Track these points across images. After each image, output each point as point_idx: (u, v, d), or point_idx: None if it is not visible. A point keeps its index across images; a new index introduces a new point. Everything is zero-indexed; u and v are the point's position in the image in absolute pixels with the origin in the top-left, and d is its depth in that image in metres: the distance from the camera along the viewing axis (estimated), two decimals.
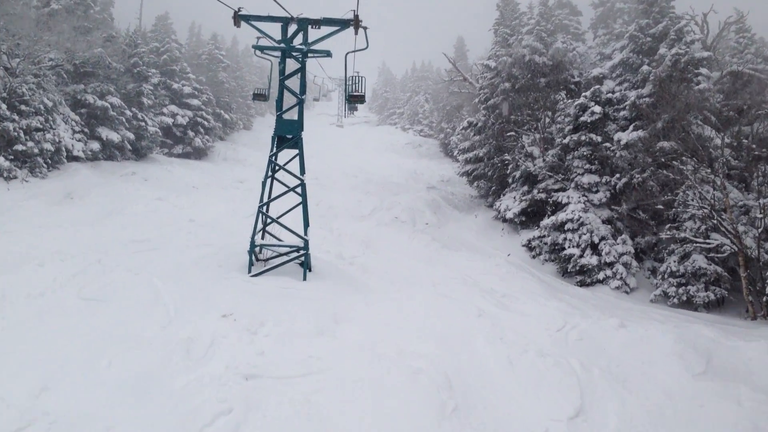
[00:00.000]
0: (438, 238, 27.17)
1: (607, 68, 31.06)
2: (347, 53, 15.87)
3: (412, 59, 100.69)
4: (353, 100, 16.89)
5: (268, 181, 17.31)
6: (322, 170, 43.35)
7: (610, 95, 25.74)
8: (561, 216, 24.56)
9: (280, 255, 17.15)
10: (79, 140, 32.77)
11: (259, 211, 16.49)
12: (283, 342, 11.41)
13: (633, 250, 23.47)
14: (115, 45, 39.70)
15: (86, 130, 33.81)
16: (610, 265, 23.11)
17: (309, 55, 17.59)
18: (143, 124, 38.62)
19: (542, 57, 29.22)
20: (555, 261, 24.85)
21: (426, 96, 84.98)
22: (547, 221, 25.07)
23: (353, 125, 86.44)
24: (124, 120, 36.16)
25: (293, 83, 17.51)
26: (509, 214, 27.47)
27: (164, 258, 17.36)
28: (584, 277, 23.52)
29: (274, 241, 17.82)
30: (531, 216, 27.66)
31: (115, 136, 34.87)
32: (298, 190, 17.01)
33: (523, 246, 26.45)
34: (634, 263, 23.22)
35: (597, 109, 24.85)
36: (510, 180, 29.25)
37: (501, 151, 30.68)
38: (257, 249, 17.01)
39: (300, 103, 17.10)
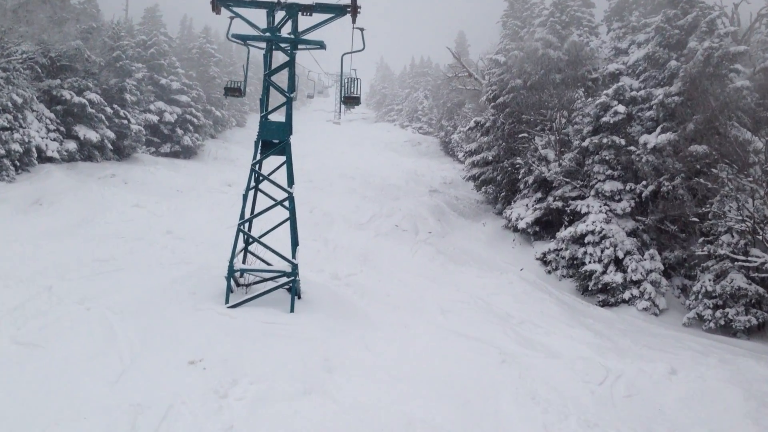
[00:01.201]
0: (443, 249, 24.73)
1: (623, 64, 28.66)
2: (343, 54, 15.05)
3: (410, 54, 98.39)
4: (349, 101, 15.52)
5: (251, 193, 14.85)
6: (318, 171, 40.86)
7: (634, 93, 23.28)
8: (580, 227, 22.14)
9: (265, 280, 14.68)
10: (54, 140, 30.23)
11: (239, 230, 14.01)
12: (259, 409, 8.95)
13: (662, 267, 21.06)
14: (96, 37, 37.12)
15: (62, 128, 31.25)
16: (637, 283, 20.72)
17: (299, 46, 15.16)
18: (126, 121, 36.07)
19: (557, 51, 26.80)
20: (573, 277, 22.44)
21: (425, 92, 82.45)
22: (564, 233, 22.65)
23: (351, 122, 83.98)
24: (104, 118, 33.59)
25: (280, 79, 15.06)
26: (521, 224, 25.02)
27: (129, 282, 14.90)
28: (607, 296, 21.13)
29: (258, 264, 15.33)
30: (545, 226, 25.23)
31: (93, 135, 32.33)
32: (286, 203, 14.52)
33: (538, 259, 24.03)
34: (664, 281, 20.83)
35: (621, 108, 22.42)
36: (521, 185, 26.82)
37: (511, 154, 28.23)
38: (237, 273, 14.53)
39: (288, 103, 14.65)
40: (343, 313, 14.39)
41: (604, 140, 22.65)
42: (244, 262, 14.99)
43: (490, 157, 29.11)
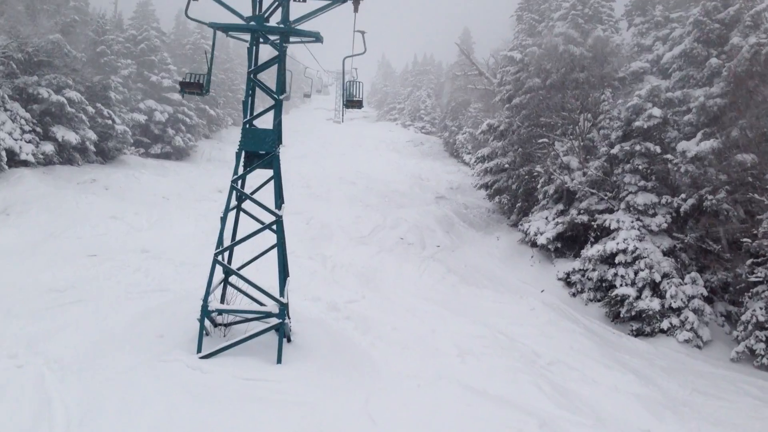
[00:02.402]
0: (454, 267, 22.24)
1: (647, 61, 26.20)
2: (345, 57, 14.40)
3: (412, 52, 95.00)
4: (351, 105, 14.35)
5: (232, 214, 12.35)
6: (317, 175, 38.39)
7: (669, 95, 20.76)
8: (610, 245, 19.65)
9: (248, 320, 12.16)
10: (30, 141, 27.76)
11: (215, 261, 11.50)
12: None
13: (705, 292, 18.56)
14: (79, 31, 34.60)
15: (39, 129, 28.77)
16: (677, 311, 18.23)
17: (291, 38, 12.70)
18: (110, 121, 33.58)
19: (580, 47, 24.26)
20: (602, 302, 19.96)
21: (428, 91, 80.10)
22: (591, 251, 20.17)
23: (351, 120, 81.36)
24: (84, 118, 31.08)
25: (272, 76, 12.57)
26: (541, 239, 22.48)
27: (85, 320, 12.45)
28: (642, 324, 18.65)
29: (241, 300, 12.78)
30: (568, 242, 22.71)
31: (73, 137, 29.83)
32: (275, 227, 12.01)
33: (560, 280, 21.52)
34: (708, 309, 18.35)
35: (656, 112, 19.90)
36: (540, 196, 24.27)
37: (528, 160, 25.68)
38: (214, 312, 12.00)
39: (277, 106, 12.15)
40: (343, 361, 11.89)
41: (637, 147, 20.14)
42: (223, 300, 12.49)
43: (506, 164, 26.54)
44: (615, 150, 20.84)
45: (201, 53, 53.23)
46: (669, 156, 19.93)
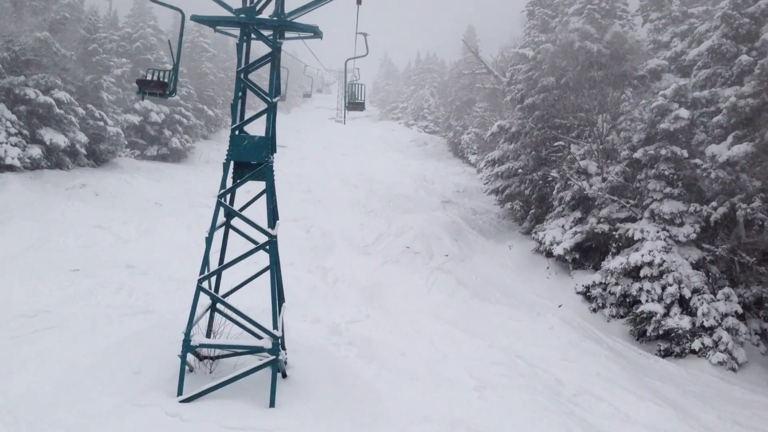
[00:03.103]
0: (464, 280, 20.76)
1: (665, 59, 24.69)
2: (347, 60, 14.14)
3: (415, 50, 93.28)
4: (353, 107, 14.07)
5: (220, 233, 10.90)
6: (318, 178, 36.93)
7: (697, 94, 19.24)
8: (634, 257, 18.19)
9: (237, 354, 10.70)
10: (16, 145, 26.31)
11: (198, 288, 10.04)
12: None
13: (740, 309, 17.08)
14: (69, 29, 33.12)
15: (26, 131, 27.32)
16: (709, 330, 16.76)
17: (286, 34, 11.28)
18: (101, 123, 32.15)
19: (596, 44, 22.75)
20: (625, 318, 18.51)
21: (431, 90, 78.62)
22: (613, 263, 18.70)
23: (354, 120, 79.73)
24: (74, 119, 29.64)
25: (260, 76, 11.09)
26: (558, 250, 20.97)
27: (53, 352, 11.02)
28: (670, 344, 17.20)
29: (230, 330, 11.27)
30: (587, 252, 21.21)
31: (61, 140, 28.38)
32: (268, 247, 10.53)
33: (579, 294, 20.04)
34: (743, 327, 16.89)
35: (684, 113, 18.41)
36: (556, 202, 22.76)
37: (542, 164, 24.15)
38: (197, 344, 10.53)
39: (271, 110, 10.68)
40: (345, 401, 10.42)
41: (662, 151, 18.64)
42: (210, 331, 11.02)
43: (520, 169, 24.95)
44: (638, 154, 19.35)
45: (199, 51, 51.82)
46: (697, 161, 18.43)
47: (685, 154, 18.58)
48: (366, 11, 13.48)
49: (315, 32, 11.24)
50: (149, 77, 10.61)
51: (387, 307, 17.49)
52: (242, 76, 10.81)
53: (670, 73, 24.61)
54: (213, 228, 10.28)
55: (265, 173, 10.53)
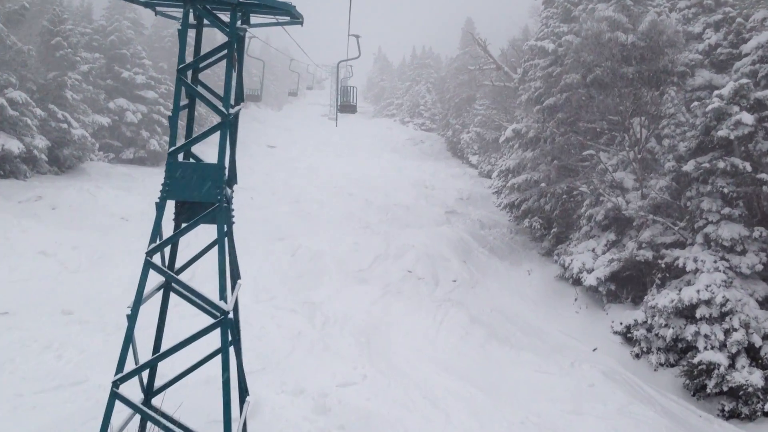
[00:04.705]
0: (478, 314, 17.51)
1: (698, 52, 21.52)
2: (339, 62, 14.12)
3: (410, 44, 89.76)
4: (345, 110, 14.02)
5: (155, 303, 7.64)
6: (308, 184, 33.66)
7: (760, 94, 15.96)
8: (687, 293, 14.97)
9: None
10: None
11: (113, 395, 6.76)
12: None
13: None
14: (29, 20, 29.71)
15: None
16: None
17: (251, 18, 8.10)
18: (65, 125, 28.76)
19: (630, 34, 19.48)
20: (677, 366, 15.29)
21: (428, 86, 75.30)
22: (661, 300, 15.45)
23: (347, 116, 76.39)
24: (31, 122, 26.22)
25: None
26: (590, 279, 17.70)
27: None
28: (737, 403, 13.99)
29: None
30: (624, 282, 17.93)
31: (15, 145, 24.93)
32: (218, 331, 7.14)
33: (617, 334, 16.79)
34: None
35: (747, 118, 15.15)
36: (584, 221, 19.49)
37: (566, 175, 20.83)
38: None
39: (225, 125, 7.40)
40: None
41: (720, 164, 15.40)
42: None
43: (543, 183, 21.52)
44: (688, 167, 16.09)
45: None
46: (763, 175, 15.18)
47: (748, 167, 15.33)
48: (360, 5, 12.04)
49: (290, 13, 7.95)
50: None
51: (388, 356, 14.23)
52: (189, 73, 7.59)
53: (704, 68, 21.50)
54: (138, 300, 7.00)
55: (218, 217, 7.21)
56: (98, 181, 28.50)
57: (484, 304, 18.57)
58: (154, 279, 7.32)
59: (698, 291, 14.85)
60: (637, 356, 15.95)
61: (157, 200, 7.23)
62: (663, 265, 16.35)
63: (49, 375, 10.92)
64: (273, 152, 47.09)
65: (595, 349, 16.22)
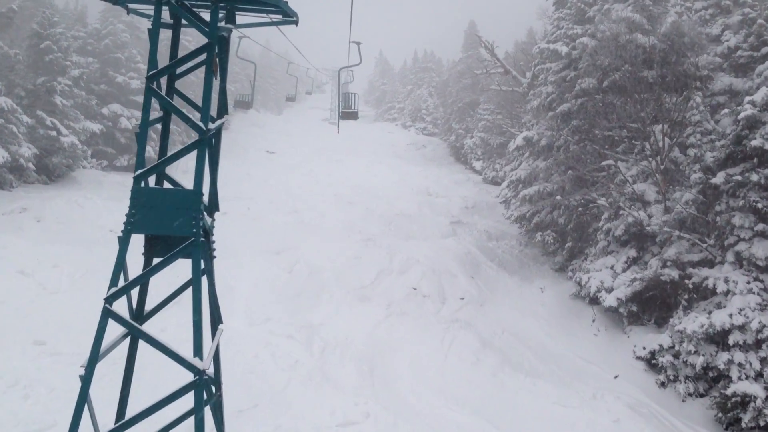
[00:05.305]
0: (488, 337, 16.29)
1: (716, 55, 20.36)
2: (340, 69, 14.64)
3: (412, 48, 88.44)
4: (346, 117, 14.34)
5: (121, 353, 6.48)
6: (308, 191, 32.44)
7: None
8: (718, 318, 13.74)
9: None
10: None
11: None
12: None
13: None
14: (17, 23, 28.58)
15: None
16: None
17: (235, 18, 6.93)
18: (54, 133, 27.62)
19: (650, 36, 18.30)
20: (708, 396, 14.02)
21: (430, 89, 74.26)
22: (690, 325, 14.20)
23: (348, 121, 75.16)
24: (17, 130, 25.06)
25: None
26: (609, 299, 16.45)
27: None
28: None
29: None
30: (646, 302, 16.67)
31: (0, 154, 23.75)
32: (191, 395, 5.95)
33: (640, 359, 15.52)
34: None
35: None
36: (601, 235, 18.25)
37: (581, 186, 19.58)
38: None
39: (202, 143, 6.21)
40: None
41: (753, 176, 14.18)
42: None
43: (556, 194, 20.25)
44: (717, 179, 14.87)
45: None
46: None
47: None
48: (360, 8, 12.11)
49: (284, 11, 6.79)
50: None
51: (393, 389, 13.02)
52: (169, 83, 6.48)
53: (722, 72, 20.35)
54: (95, 359, 5.82)
55: (193, 253, 6.02)
56: (88, 191, 27.32)
57: (495, 325, 17.33)
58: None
59: (731, 315, 13.63)
60: (663, 384, 14.68)
61: (120, 234, 6.05)
62: (690, 286, 15.10)
63: (12, 419, 9.71)
64: (272, 158, 45.89)
65: (616, 377, 14.98)
